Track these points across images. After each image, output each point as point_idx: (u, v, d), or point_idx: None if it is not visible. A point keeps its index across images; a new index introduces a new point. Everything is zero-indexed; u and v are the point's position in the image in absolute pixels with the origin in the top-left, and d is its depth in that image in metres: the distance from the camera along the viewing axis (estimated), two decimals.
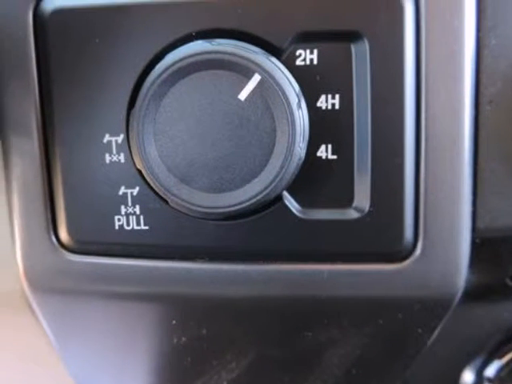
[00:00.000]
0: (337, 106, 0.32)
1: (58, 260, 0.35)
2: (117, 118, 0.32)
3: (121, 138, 0.32)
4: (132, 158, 0.32)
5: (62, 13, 0.32)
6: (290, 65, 0.31)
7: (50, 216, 0.34)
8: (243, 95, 0.30)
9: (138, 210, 0.33)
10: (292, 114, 0.30)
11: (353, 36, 0.31)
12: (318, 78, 0.31)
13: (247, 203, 0.31)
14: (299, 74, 0.31)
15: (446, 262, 0.33)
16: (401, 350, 0.37)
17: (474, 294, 0.35)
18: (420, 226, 0.33)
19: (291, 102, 0.30)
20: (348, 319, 0.36)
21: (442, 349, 0.38)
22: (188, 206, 0.31)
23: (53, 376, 0.43)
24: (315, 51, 0.31)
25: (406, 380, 0.39)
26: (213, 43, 0.30)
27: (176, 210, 0.33)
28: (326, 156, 0.32)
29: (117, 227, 0.33)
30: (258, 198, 0.31)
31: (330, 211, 0.33)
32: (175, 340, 0.38)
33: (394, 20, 0.30)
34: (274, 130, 0.30)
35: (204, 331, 0.37)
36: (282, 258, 0.34)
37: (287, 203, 0.32)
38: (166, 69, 0.30)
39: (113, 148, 0.33)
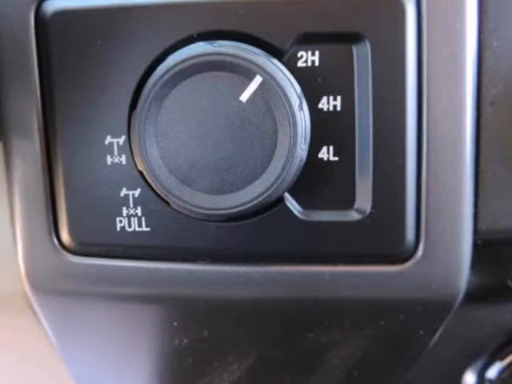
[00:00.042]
0: (338, 108, 0.31)
1: (59, 262, 0.35)
2: (118, 120, 0.32)
3: (122, 139, 0.32)
4: (133, 160, 0.32)
5: (63, 14, 0.32)
6: (291, 66, 0.31)
7: (51, 218, 0.34)
8: (245, 97, 0.30)
9: (139, 211, 0.33)
10: (293, 115, 0.30)
11: (354, 38, 0.31)
12: (319, 79, 0.31)
13: (249, 205, 0.31)
14: (301, 75, 0.31)
15: (448, 263, 0.33)
16: (402, 352, 0.37)
17: (475, 296, 0.35)
18: (421, 227, 0.32)
19: (293, 104, 0.30)
20: (349, 321, 0.36)
21: (443, 350, 0.37)
22: (189, 207, 0.31)
23: (54, 378, 0.43)
24: (317, 53, 0.31)
25: (407, 381, 0.39)
26: (214, 45, 0.30)
27: (177, 211, 0.33)
28: (328, 158, 0.32)
29: (118, 229, 0.33)
30: (260, 199, 0.31)
31: (331, 213, 0.33)
32: (177, 341, 0.38)
33: (395, 22, 0.30)
34: (276, 132, 0.30)
35: (205, 333, 0.37)
36: (283, 260, 0.34)
37: (289, 205, 0.32)
38: (168, 70, 0.30)
39: (114, 150, 0.33)
